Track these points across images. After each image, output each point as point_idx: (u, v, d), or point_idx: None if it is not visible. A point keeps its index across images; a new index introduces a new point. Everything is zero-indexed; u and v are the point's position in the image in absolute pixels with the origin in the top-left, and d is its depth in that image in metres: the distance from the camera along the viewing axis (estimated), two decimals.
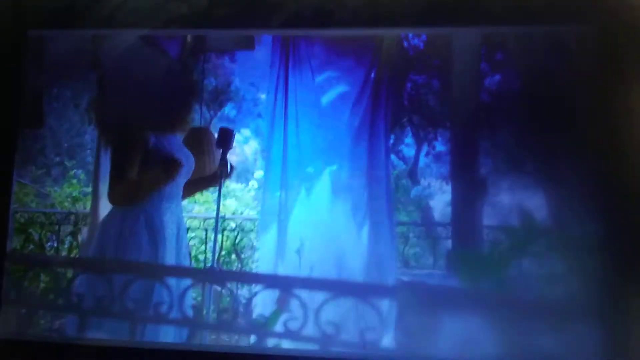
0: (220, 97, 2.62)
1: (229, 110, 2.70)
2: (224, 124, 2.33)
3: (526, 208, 1.62)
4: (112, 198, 1.82)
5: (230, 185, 2.34)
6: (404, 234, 2.05)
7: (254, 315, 1.75)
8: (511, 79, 1.87)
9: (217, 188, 1.99)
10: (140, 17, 1.73)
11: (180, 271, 1.86)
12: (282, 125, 2.03)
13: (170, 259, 1.79)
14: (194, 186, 2.04)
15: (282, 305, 1.66)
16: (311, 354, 1.57)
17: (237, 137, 2.33)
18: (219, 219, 1.98)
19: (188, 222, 2.21)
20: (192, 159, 1.95)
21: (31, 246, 2.03)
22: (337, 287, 1.69)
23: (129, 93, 1.88)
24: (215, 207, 2.04)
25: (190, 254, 2.08)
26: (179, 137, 1.96)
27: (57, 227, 2.09)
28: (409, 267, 1.99)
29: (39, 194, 2.08)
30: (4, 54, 1.68)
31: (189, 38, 2.09)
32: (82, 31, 1.82)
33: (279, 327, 1.62)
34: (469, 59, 1.83)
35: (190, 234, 2.20)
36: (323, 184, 2.00)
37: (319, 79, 2.04)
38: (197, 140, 2.11)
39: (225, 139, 1.97)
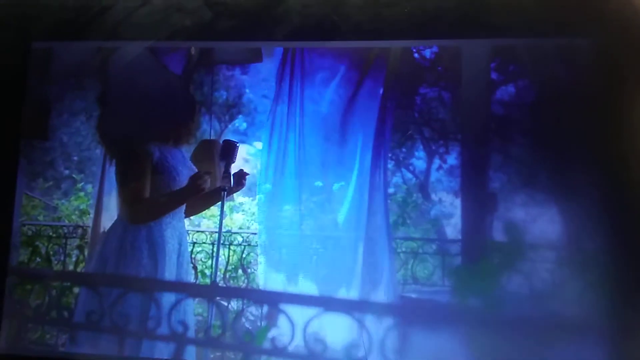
0: (231, 110, 2.61)
1: (240, 122, 2.69)
2: (236, 137, 2.32)
3: (517, 222, 1.57)
4: (133, 217, 1.79)
5: (237, 198, 2.32)
6: (413, 250, 1.99)
7: (244, 330, 1.72)
8: (522, 91, 1.82)
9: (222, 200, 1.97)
10: (144, 30, 1.73)
11: (176, 286, 1.83)
12: (287, 138, 2.00)
13: (170, 274, 1.77)
14: (199, 201, 2.01)
15: (271, 321, 1.63)
16: None
17: (249, 150, 2.32)
18: (221, 233, 1.96)
19: (195, 236, 2.19)
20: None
21: (38, 259, 2.03)
22: (333, 304, 1.65)
23: (132, 106, 1.88)
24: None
25: (196, 269, 2.06)
26: (183, 151, 1.96)
27: (64, 240, 2.09)
28: (417, 283, 1.93)
29: (47, 207, 2.09)
30: (8, 65, 1.69)
31: (193, 51, 2.09)
32: (87, 44, 1.83)
33: (267, 343, 1.59)
34: (478, 70, 1.79)
35: (197, 248, 2.18)
36: (330, 199, 1.97)
37: (325, 91, 2.01)
38: (208, 152, 2.09)
39: (229, 152, 1.95)
